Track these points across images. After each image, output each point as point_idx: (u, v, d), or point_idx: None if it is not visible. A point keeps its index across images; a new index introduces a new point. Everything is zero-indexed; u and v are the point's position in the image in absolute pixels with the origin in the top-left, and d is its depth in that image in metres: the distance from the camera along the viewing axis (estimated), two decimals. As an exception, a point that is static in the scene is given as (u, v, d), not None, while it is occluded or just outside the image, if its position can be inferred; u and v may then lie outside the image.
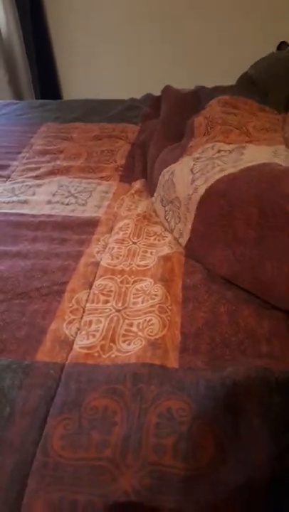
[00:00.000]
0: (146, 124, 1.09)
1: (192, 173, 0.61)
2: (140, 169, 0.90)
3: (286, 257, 0.47)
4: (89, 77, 2.17)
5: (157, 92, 1.28)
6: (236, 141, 0.66)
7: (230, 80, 1.23)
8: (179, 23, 1.96)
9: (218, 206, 0.55)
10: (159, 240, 0.68)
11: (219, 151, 0.62)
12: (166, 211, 0.69)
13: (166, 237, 0.69)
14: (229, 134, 0.68)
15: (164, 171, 0.71)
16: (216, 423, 0.40)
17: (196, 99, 1.05)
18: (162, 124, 0.97)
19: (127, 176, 0.90)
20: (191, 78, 1.46)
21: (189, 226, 0.61)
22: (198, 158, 0.63)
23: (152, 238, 0.69)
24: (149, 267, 0.61)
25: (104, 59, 2.07)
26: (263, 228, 0.49)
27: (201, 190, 0.57)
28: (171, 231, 0.68)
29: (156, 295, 0.55)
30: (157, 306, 0.54)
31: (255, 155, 0.58)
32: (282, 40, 1.94)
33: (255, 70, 1.04)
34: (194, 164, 0.63)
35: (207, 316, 0.53)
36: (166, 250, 0.64)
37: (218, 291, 0.56)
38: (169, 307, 0.54)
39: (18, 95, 1.95)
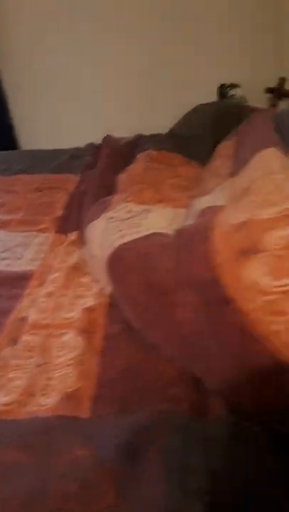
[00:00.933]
0: (86, 174, 1.16)
1: (102, 235, 0.67)
2: (76, 220, 0.96)
3: (160, 323, 0.53)
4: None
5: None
6: (148, 200, 0.72)
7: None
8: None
9: (116, 274, 0.62)
10: (87, 291, 0.73)
11: (130, 212, 0.68)
12: (91, 263, 0.75)
13: (94, 287, 0.74)
14: (142, 193, 0.74)
15: (89, 225, 0.77)
16: (116, 469, 0.44)
17: (131, 150, 1.12)
18: (98, 175, 1.03)
19: (63, 227, 0.95)
20: (141, 123, 1.54)
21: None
22: (111, 218, 0.70)
23: (81, 289, 0.73)
24: (73, 320, 0.66)
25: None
26: (148, 299, 0.55)
27: (105, 256, 0.64)
28: (97, 281, 0.74)
29: (76, 347, 0.60)
30: (76, 358, 0.58)
31: (156, 220, 0.65)
32: (222, 83, 2.09)
33: (179, 125, 1.13)
34: (107, 224, 0.69)
35: (124, 364, 0.57)
36: (91, 301, 0.69)
37: (136, 340, 0.61)
38: (88, 358, 0.58)
39: None
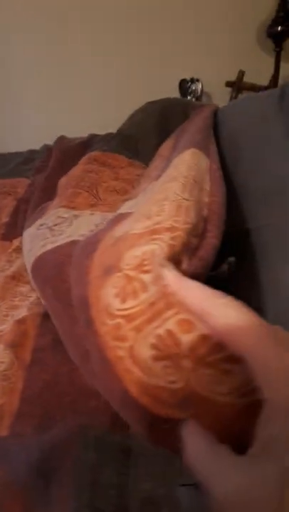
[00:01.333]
0: (36, 178, 1.14)
1: (31, 243, 0.65)
2: (22, 226, 0.94)
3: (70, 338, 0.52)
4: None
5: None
6: (80, 205, 0.71)
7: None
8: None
9: (37, 284, 0.60)
10: (22, 301, 0.71)
11: (59, 218, 0.66)
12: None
13: (31, 296, 0.72)
14: (76, 198, 0.72)
15: (24, 232, 0.75)
16: (26, 489, 0.43)
17: (83, 151, 1.10)
18: (43, 179, 1.01)
19: (8, 233, 0.93)
20: (102, 121, 1.52)
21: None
22: (41, 225, 0.68)
23: (17, 299, 0.72)
24: (3, 333, 0.64)
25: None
26: (61, 311, 0.54)
27: (29, 265, 0.62)
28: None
29: (2, 362, 0.59)
30: (1, 373, 0.57)
31: (81, 226, 0.63)
32: (183, 78, 2.08)
33: (127, 124, 1.11)
34: (36, 231, 0.67)
35: (49, 378, 0.56)
36: (23, 312, 0.68)
37: (63, 351, 0.60)
38: (14, 373, 0.57)
39: None
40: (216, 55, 2.00)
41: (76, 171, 0.86)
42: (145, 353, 0.33)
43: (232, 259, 0.60)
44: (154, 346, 0.33)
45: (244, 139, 0.79)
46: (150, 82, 2.03)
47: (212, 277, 0.60)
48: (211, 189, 0.51)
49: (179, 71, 2.03)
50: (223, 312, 0.31)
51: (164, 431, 0.33)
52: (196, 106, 1.07)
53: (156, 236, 0.41)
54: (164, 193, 0.48)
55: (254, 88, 1.93)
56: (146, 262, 0.38)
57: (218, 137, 0.79)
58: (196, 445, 0.29)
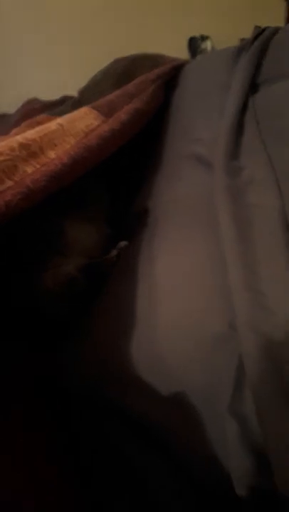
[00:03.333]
0: None
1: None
2: None
3: None
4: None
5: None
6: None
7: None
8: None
9: None
10: None
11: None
12: None
13: None
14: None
15: None
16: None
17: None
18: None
19: None
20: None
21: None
22: None
23: None
24: None
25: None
26: None
27: None
28: None
29: None
30: None
31: None
32: (192, 36, 1.91)
33: (92, 78, 1.02)
34: None
35: None
36: None
37: None
38: None
39: None
40: (229, 10, 1.81)
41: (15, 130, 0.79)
42: None
43: (124, 243, 0.52)
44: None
45: (185, 100, 0.69)
46: (157, 40, 1.88)
47: (99, 263, 0.52)
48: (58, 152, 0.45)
49: (188, 28, 1.86)
50: None
51: None
52: (166, 60, 0.96)
53: None
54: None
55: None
56: None
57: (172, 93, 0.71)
58: None
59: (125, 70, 0.96)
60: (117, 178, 0.68)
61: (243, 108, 0.54)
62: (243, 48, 0.70)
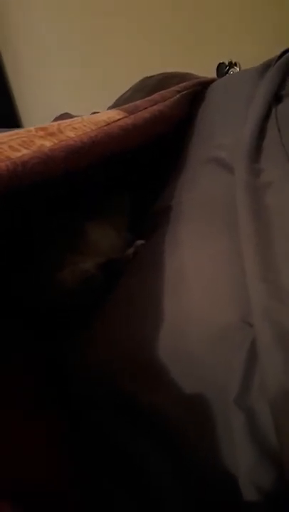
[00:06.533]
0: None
1: None
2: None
3: None
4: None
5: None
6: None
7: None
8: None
9: None
10: None
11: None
12: None
13: None
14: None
15: None
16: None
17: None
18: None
19: None
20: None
21: None
22: None
23: None
24: None
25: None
26: None
27: None
28: None
29: None
30: None
31: None
32: (221, 62, 1.95)
33: (115, 102, 1.05)
34: None
35: None
36: None
37: None
38: None
39: None
40: (257, 37, 1.85)
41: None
42: None
43: (140, 242, 0.52)
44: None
45: (209, 111, 0.70)
46: (186, 67, 1.93)
47: (115, 260, 0.53)
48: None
49: (216, 54, 1.91)
50: None
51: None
52: (196, 77, 0.98)
53: None
54: None
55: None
56: None
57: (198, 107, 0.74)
58: None
59: (154, 88, 0.99)
60: (139, 186, 0.69)
61: (266, 116, 0.55)
62: (270, 63, 0.71)
